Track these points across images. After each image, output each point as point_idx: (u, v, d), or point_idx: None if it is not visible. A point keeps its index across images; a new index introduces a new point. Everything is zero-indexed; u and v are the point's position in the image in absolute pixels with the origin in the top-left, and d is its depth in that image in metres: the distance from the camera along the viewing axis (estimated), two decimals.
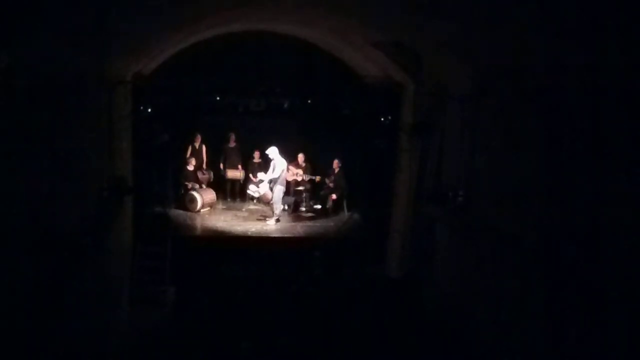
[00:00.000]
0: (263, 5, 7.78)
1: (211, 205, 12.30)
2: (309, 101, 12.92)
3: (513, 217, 6.06)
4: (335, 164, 12.44)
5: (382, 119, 10.90)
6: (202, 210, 11.85)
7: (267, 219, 11.44)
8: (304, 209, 12.60)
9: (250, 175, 12.69)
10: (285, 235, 10.88)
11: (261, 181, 11.45)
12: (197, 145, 12.55)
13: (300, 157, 12.79)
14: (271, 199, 11.30)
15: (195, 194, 11.76)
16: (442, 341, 7.60)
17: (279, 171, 11.19)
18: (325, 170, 12.63)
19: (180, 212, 11.69)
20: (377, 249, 10.44)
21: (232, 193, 13.26)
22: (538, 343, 5.51)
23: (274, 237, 10.76)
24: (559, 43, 5.07)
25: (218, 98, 12.53)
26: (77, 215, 5.76)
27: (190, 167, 12.05)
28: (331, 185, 12.40)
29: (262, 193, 11.52)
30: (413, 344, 7.95)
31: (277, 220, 11.35)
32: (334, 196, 12.33)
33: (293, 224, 11.60)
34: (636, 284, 4.23)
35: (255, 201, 12.69)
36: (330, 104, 12.93)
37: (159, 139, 11.18)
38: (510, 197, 6.21)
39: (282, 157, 11.38)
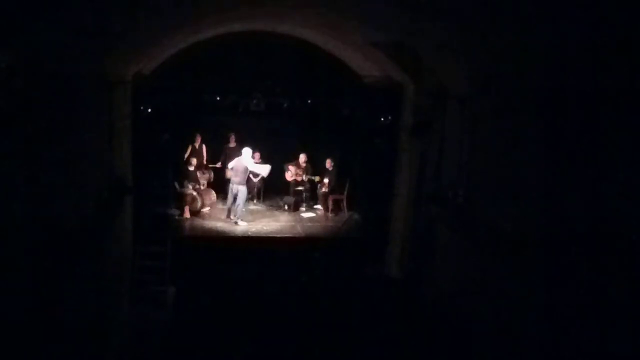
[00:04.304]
0: (263, 5, 7.78)
1: (211, 205, 12.29)
2: (309, 101, 12.93)
3: (513, 217, 6.06)
4: (329, 163, 12.44)
5: (382, 119, 10.91)
6: (202, 210, 11.86)
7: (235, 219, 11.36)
8: (304, 209, 12.61)
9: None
10: (285, 235, 10.88)
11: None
12: (197, 145, 12.55)
13: (302, 158, 12.79)
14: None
15: (195, 194, 11.76)
16: (442, 341, 7.60)
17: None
18: (323, 170, 12.65)
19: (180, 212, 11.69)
20: (377, 249, 10.44)
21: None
22: (538, 343, 5.52)
23: (274, 237, 10.76)
24: (558, 43, 5.07)
25: (218, 98, 12.54)
26: (77, 215, 5.76)
27: (191, 167, 12.05)
28: (326, 184, 12.41)
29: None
30: (413, 344, 7.96)
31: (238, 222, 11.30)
32: (333, 197, 12.33)
33: (293, 224, 11.61)
34: (637, 283, 4.23)
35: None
36: (330, 104, 12.94)
37: (159, 138, 11.19)
38: (510, 197, 6.21)
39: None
